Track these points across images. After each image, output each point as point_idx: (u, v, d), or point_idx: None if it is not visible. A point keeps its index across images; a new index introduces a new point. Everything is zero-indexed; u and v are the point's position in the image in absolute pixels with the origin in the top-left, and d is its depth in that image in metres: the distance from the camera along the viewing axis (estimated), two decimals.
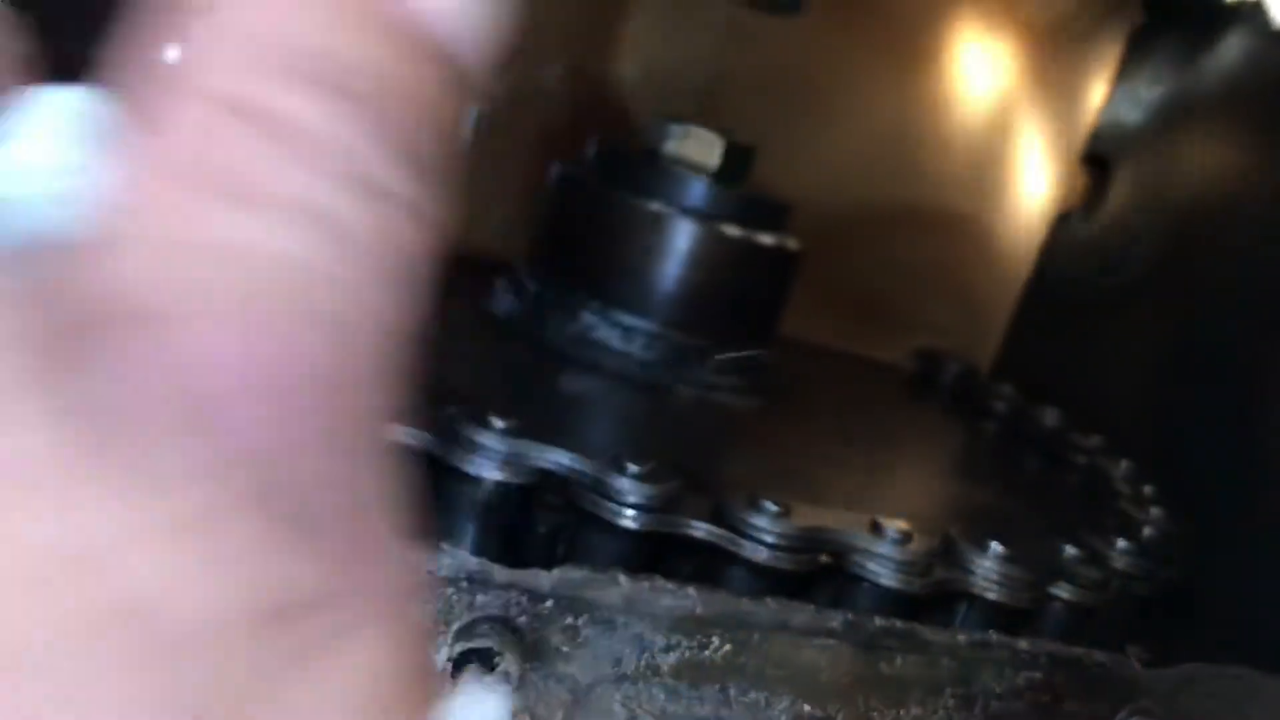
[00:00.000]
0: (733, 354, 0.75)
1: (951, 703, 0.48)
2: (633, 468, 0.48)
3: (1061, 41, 1.02)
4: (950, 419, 0.94)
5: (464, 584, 0.40)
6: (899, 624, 0.47)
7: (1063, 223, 1.05)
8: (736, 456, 0.68)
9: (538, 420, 0.50)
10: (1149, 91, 1.00)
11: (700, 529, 0.48)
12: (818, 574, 0.50)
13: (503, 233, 0.87)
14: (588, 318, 0.74)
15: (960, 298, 1.06)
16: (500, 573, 0.41)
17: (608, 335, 0.73)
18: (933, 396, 0.98)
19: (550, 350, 0.73)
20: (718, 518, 0.49)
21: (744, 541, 0.48)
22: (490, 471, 0.47)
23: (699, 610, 0.43)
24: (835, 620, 0.46)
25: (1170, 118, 0.98)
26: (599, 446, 0.50)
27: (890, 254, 1.02)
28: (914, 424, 0.91)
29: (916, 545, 0.51)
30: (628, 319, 0.73)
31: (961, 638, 0.49)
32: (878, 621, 0.47)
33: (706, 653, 0.44)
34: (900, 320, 1.04)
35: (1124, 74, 1.02)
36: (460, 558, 0.41)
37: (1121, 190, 1.00)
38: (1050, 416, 0.91)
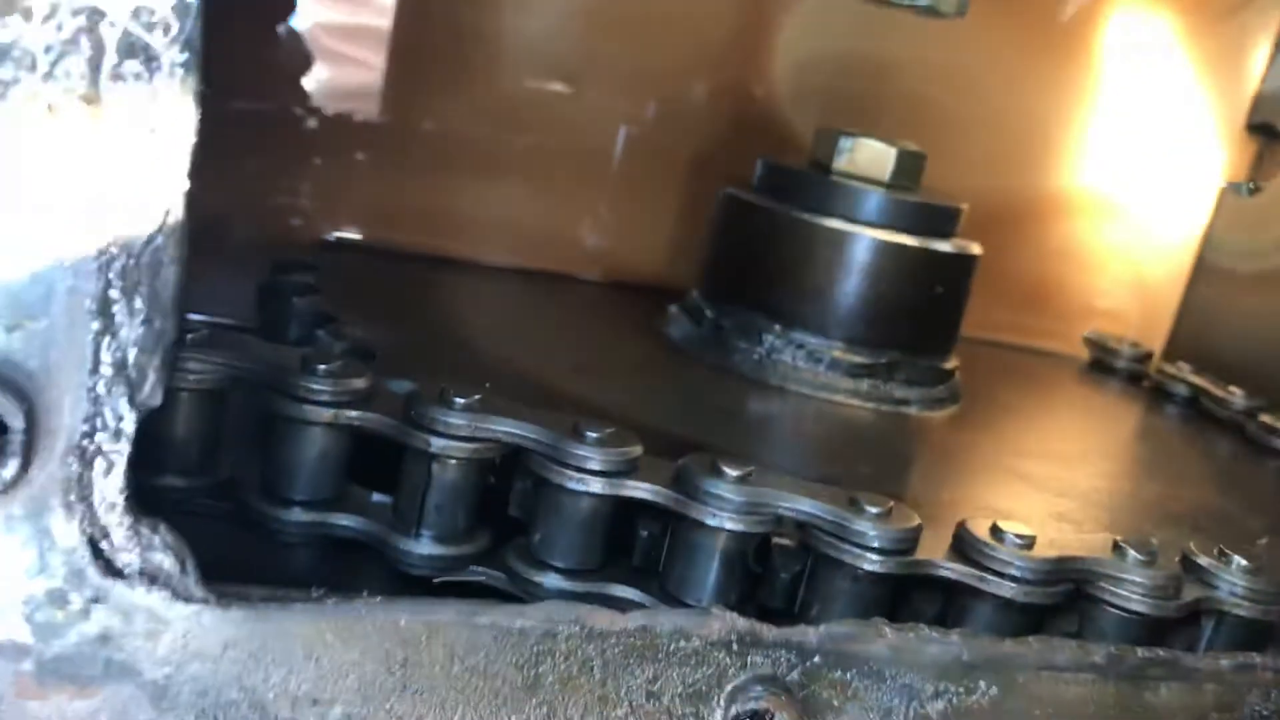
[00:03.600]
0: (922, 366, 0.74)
1: None
2: (870, 509, 0.47)
3: (1220, 9, 0.98)
4: (1132, 406, 0.92)
5: (734, 646, 0.41)
6: (1162, 653, 0.46)
7: (1230, 195, 1.01)
8: (943, 476, 0.67)
9: (758, 460, 0.50)
10: None
11: (947, 569, 0.47)
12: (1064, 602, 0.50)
13: (668, 258, 0.87)
14: (771, 340, 0.73)
15: (1129, 280, 1.03)
16: (769, 632, 0.41)
17: (793, 357, 0.73)
18: (1110, 383, 0.96)
19: (738, 377, 0.73)
20: (960, 554, 0.48)
21: (992, 578, 0.47)
22: (731, 522, 0.47)
23: (965, 656, 0.43)
24: (1099, 654, 0.45)
25: None
26: (821, 483, 0.50)
27: (1055, 243, 1.00)
28: (1099, 416, 0.89)
29: (1164, 566, 0.50)
30: (811, 340, 0.73)
31: (1225, 662, 0.47)
32: (1141, 653, 0.46)
33: (974, 698, 0.43)
34: (1070, 308, 1.02)
35: None
36: (729, 620, 0.41)
37: None
38: (1238, 397, 0.89)
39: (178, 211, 0.32)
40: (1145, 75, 0.98)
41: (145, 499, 0.50)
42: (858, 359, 0.72)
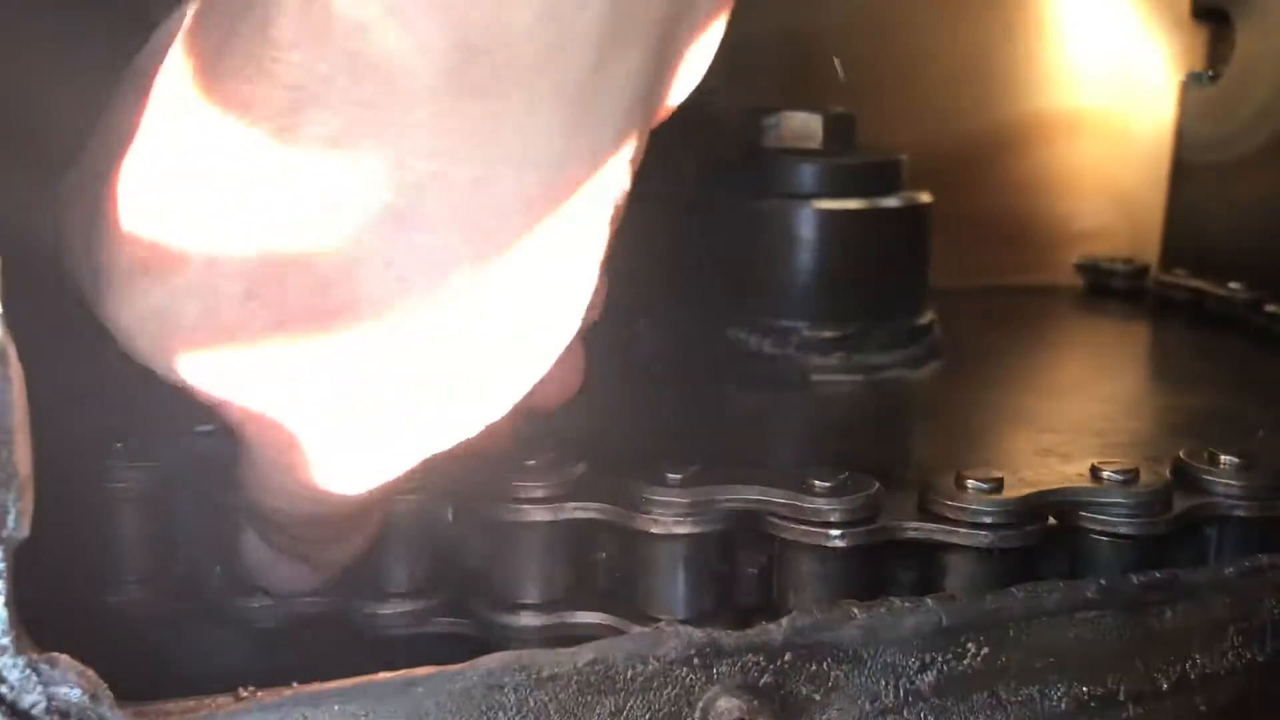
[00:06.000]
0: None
1: (1239, 640, 0.44)
2: (821, 485, 0.45)
3: None
4: (1132, 324, 0.89)
5: (695, 660, 0.39)
6: (1159, 575, 0.43)
7: (1192, 87, 0.98)
8: (925, 435, 0.65)
9: (714, 457, 0.48)
10: None
11: (915, 529, 0.45)
12: (1050, 541, 0.47)
13: (628, 271, 0.85)
14: (736, 333, 0.72)
15: (1108, 196, 1.00)
16: (729, 638, 0.39)
17: (760, 344, 0.71)
18: (1109, 305, 0.93)
19: (709, 376, 0.71)
20: (927, 512, 0.46)
21: (961, 529, 0.45)
22: (679, 526, 0.45)
23: (945, 620, 0.40)
24: (1090, 589, 0.42)
25: None
26: (782, 467, 0.48)
27: (1022, 174, 0.97)
28: (1096, 341, 0.86)
29: (1146, 481, 0.47)
30: (775, 322, 0.71)
31: (1229, 570, 0.44)
32: (1135, 579, 0.43)
33: (965, 662, 0.41)
34: (1055, 238, 0.99)
35: None
36: (685, 634, 0.39)
37: (1248, 39, 0.93)
38: (1240, 292, 0.85)
39: None
40: None
41: (116, 615, 0.49)
42: (825, 333, 0.70)
